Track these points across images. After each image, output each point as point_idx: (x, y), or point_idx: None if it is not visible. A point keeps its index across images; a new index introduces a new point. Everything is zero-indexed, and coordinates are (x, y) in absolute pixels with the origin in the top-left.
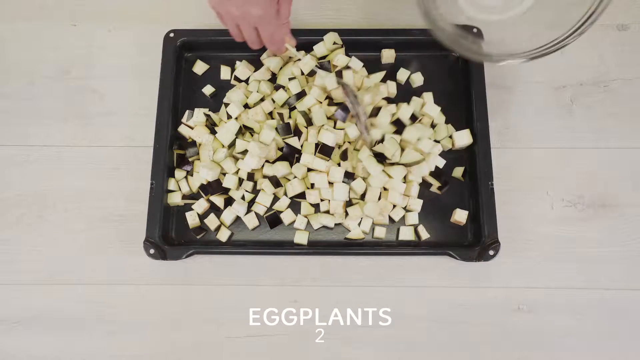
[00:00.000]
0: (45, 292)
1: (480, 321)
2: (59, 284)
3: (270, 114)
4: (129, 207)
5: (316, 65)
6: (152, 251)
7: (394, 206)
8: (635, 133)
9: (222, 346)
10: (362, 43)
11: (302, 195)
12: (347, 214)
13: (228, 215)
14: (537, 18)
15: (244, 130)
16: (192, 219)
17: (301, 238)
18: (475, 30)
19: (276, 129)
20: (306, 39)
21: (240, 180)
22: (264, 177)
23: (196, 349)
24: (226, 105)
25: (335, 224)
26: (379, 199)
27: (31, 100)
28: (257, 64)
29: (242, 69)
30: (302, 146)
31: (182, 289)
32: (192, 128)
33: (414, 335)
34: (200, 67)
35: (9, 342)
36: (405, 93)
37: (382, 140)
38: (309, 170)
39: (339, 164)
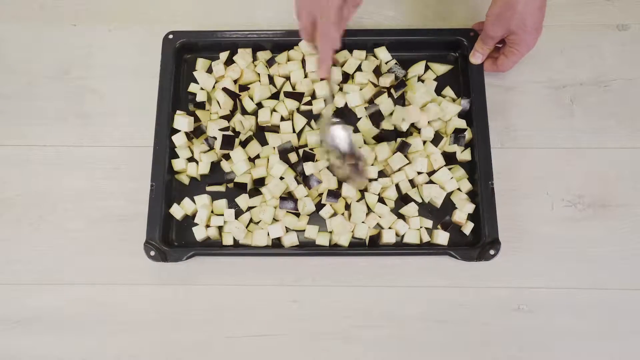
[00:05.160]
0: (45, 292)
1: (480, 321)
2: (59, 284)
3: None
4: (129, 207)
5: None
6: (152, 253)
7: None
8: (635, 133)
9: (222, 346)
10: (360, 43)
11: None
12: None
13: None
14: None
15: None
16: (199, 234)
17: (311, 233)
18: None
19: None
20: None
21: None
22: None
23: (196, 349)
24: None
25: None
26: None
27: (31, 100)
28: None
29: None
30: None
31: (182, 289)
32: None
33: (414, 335)
34: (202, 65)
35: (9, 342)
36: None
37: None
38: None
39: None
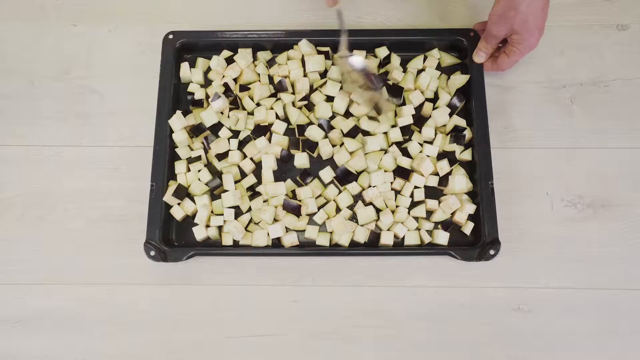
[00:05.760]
0: (45, 292)
1: (481, 321)
2: (59, 284)
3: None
4: (129, 207)
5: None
6: (152, 253)
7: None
8: (635, 133)
9: (222, 346)
10: (360, 43)
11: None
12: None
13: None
14: None
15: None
16: (200, 234)
17: (311, 234)
18: None
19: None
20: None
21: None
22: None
23: (196, 349)
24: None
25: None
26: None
27: (31, 100)
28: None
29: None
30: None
31: (182, 289)
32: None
33: (414, 335)
34: (202, 65)
35: (9, 342)
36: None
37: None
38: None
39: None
